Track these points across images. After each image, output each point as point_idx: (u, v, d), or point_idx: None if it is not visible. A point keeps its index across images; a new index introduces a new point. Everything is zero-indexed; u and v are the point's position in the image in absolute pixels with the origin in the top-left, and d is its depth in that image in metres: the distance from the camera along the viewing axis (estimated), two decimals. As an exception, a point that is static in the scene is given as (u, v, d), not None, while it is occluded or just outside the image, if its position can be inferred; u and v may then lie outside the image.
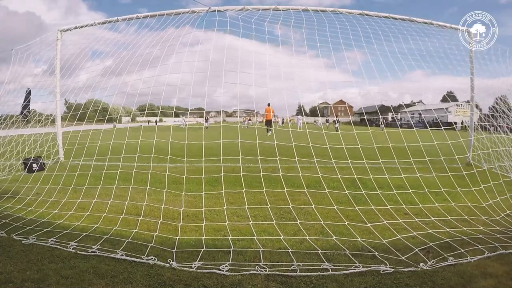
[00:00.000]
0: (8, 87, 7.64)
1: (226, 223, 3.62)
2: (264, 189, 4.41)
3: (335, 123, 21.81)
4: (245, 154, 5.54)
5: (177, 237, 3.22)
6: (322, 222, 3.58)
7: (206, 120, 25.28)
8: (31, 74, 8.04)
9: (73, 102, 7.69)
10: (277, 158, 4.82)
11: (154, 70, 5.63)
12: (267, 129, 16.56)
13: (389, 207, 4.04)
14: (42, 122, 7.79)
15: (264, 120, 17.39)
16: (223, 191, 4.38)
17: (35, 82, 8.00)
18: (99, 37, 7.24)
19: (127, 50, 6.33)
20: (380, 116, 5.92)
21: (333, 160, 4.78)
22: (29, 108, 7.64)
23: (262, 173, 4.87)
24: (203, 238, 3.22)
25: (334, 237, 3.23)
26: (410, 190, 4.48)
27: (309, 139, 4.95)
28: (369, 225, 3.51)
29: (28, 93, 7.68)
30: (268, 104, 15.50)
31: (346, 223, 3.59)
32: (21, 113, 7.57)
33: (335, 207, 3.97)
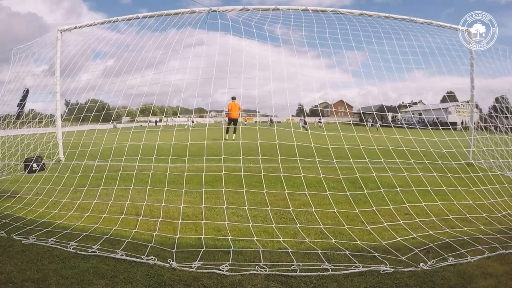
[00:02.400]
0: (9, 87, 7.66)
1: (226, 223, 3.62)
2: (265, 189, 4.41)
3: (305, 123, 21.04)
4: (245, 154, 5.54)
5: (177, 237, 3.22)
6: (321, 225, 3.57)
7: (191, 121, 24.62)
8: (31, 74, 8.05)
9: (73, 102, 7.70)
10: (279, 157, 4.82)
11: (154, 71, 5.63)
12: (227, 127, 13.10)
13: (390, 206, 4.03)
14: (42, 122, 7.79)
15: (227, 119, 13.51)
16: (223, 191, 4.38)
17: (35, 82, 8.01)
18: (100, 37, 7.24)
19: (128, 50, 6.35)
20: (377, 113, 5.91)
21: (334, 160, 4.78)
22: (24, 107, 7.62)
23: (262, 173, 4.87)
24: (203, 238, 3.22)
25: (334, 240, 3.23)
26: (413, 188, 4.47)
27: (306, 139, 4.94)
28: (368, 227, 3.51)
29: (26, 92, 7.67)
30: (233, 98, 12.19)
31: (346, 225, 3.58)
32: (18, 113, 7.58)
33: (335, 210, 3.97)
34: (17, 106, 7.51)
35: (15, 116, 7.55)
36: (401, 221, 3.65)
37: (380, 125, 7.56)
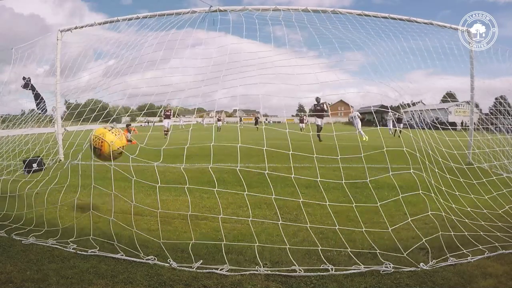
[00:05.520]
0: (10, 87, 7.68)
1: (226, 223, 3.61)
2: (264, 189, 4.41)
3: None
4: (244, 154, 5.54)
5: (177, 237, 3.22)
6: (321, 226, 3.57)
7: (167, 117, 18.61)
8: (32, 75, 8.06)
9: (73, 102, 7.72)
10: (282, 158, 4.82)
11: (155, 71, 5.62)
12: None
13: (390, 205, 4.03)
14: (42, 122, 7.80)
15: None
16: (222, 191, 4.38)
17: (36, 82, 8.02)
18: (101, 38, 7.26)
19: (129, 50, 6.35)
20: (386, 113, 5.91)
21: (338, 156, 4.78)
22: (43, 103, 7.66)
23: (262, 172, 4.86)
24: (202, 238, 3.22)
25: (334, 241, 3.23)
26: (417, 191, 4.46)
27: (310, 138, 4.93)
28: (364, 230, 3.51)
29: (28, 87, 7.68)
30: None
31: (346, 224, 3.58)
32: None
33: (334, 210, 3.96)
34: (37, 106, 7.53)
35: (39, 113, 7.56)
36: (401, 221, 3.64)
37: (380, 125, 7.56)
